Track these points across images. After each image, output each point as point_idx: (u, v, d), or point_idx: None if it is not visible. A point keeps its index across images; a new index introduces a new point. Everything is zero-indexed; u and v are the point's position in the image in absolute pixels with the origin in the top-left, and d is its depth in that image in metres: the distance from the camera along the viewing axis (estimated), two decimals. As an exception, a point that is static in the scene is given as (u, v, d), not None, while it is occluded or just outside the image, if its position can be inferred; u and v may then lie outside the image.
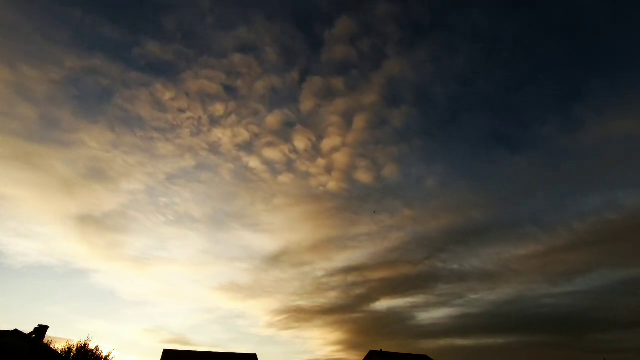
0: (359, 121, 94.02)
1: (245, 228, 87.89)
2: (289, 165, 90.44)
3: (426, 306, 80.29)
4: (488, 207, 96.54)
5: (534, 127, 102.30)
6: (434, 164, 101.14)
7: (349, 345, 73.52)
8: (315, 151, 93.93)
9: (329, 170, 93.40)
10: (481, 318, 78.55)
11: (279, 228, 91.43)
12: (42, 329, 29.01)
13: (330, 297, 79.54)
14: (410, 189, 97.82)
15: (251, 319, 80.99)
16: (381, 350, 41.61)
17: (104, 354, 31.11)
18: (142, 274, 76.98)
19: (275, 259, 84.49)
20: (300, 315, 74.72)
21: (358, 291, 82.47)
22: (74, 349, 29.88)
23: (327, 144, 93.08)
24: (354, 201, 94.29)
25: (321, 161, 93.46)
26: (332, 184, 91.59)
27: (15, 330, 27.96)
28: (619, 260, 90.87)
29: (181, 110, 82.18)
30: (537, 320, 77.37)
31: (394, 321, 78.51)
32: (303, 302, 77.89)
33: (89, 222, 72.51)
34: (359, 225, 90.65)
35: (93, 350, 30.44)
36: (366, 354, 41.98)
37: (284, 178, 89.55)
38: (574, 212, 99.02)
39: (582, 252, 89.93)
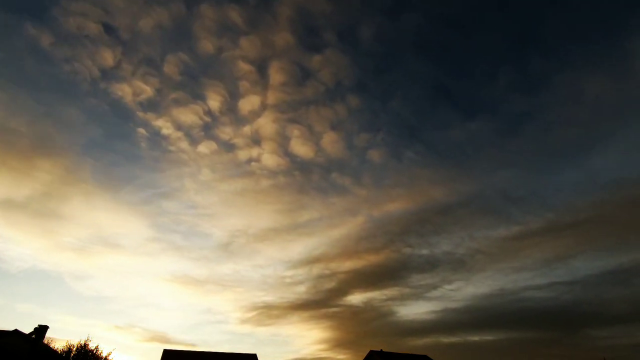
0: (276, 73, 79.20)
1: (184, 211, 79.91)
2: (207, 132, 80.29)
3: (402, 299, 77.86)
4: (449, 183, 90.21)
5: (487, 84, 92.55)
6: (377, 131, 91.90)
7: (334, 343, 72.20)
8: (233, 114, 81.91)
9: (256, 140, 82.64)
10: (464, 313, 76.73)
11: (219, 212, 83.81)
12: (42, 329, 28.96)
13: (298, 292, 76.62)
14: (357, 162, 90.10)
15: (220, 316, 77.41)
16: (381, 350, 41.62)
17: (104, 354, 31.15)
18: (90, 266, 70.07)
19: (225, 249, 79.06)
20: (271, 311, 72.10)
21: (327, 285, 79.21)
22: (74, 349, 29.90)
23: (245, 105, 79.50)
24: (295, 179, 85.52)
25: (245, 129, 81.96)
26: (267, 159, 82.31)
27: (15, 330, 27.95)
28: (605, 243, 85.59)
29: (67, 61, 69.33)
30: (523, 315, 75.02)
31: (373, 317, 76.46)
32: (270, 298, 75.34)
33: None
34: (308, 208, 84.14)
35: (93, 350, 30.45)
36: (366, 354, 41.98)
37: (204, 148, 78.81)
38: (548, 187, 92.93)
39: (561, 234, 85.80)
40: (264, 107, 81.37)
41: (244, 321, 70.64)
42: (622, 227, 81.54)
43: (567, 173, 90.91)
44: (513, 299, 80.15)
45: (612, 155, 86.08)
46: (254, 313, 71.07)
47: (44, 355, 27.96)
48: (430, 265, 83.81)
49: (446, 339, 70.71)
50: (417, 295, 78.50)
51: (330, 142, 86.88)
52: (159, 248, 76.59)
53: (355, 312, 75.24)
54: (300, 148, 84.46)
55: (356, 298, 77.82)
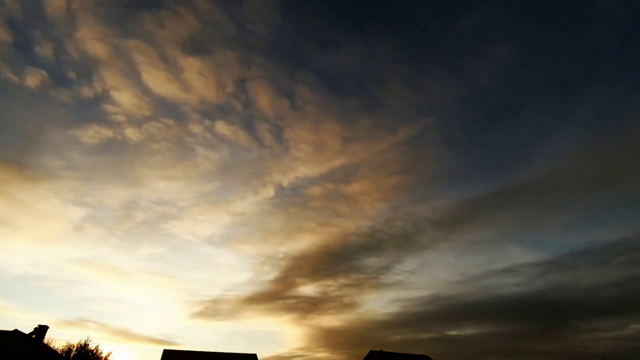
0: None
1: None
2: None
3: (359, 287, 75.73)
4: (358, 137, 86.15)
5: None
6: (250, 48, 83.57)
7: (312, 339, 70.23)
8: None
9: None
10: (430, 303, 75.02)
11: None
12: (42, 329, 29.01)
13: (243, 283, 75.52)
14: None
15: (166, 308, 73.17)
16: (381, 350, 41.74)
17: (104, 354, 31.20)
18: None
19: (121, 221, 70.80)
20: (219, 305, 68.21)
21: (271, 274, 76.68)
22: (74, 349, 29.95)
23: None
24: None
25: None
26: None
27: (15, 331, 27.98)
28: (571, 216, 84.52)
29: None
30: (500, 304, 73.19)
31: (335, 308, 73.88)
32: (210, 290, 74.04)
33: None
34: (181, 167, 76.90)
35: (93, 350, 30.50)
36: (366, 354, 42.04)
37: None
38: (486, 147, 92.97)
39: (511, 207, 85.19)
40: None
41: (195, 315, 66.97)
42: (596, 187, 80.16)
43: (501, 130, 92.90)
44: (482, 286, 78.07)
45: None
46: (201, 307, 67.83)
47: (44, 355, 27.98)
48: (374, 241, 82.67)
49: (423, 335, 69.42)
50: (375, 283, 76.71)
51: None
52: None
53: (315, 304, 73.10)
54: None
55: (309, 288, 75.93)
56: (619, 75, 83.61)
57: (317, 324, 71.71)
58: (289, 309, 71.35)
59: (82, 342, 30.49)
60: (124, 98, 67.93)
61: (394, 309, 75.88)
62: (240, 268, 79.56)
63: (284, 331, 73.35)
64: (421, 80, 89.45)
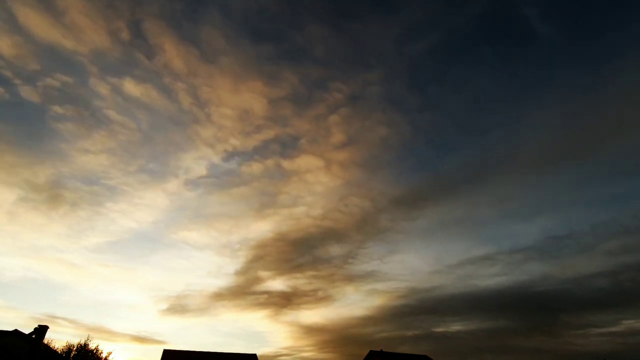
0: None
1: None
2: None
3: (332, 280, 73.01)
4: (287, 98, 79.75)
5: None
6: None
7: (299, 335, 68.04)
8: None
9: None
10: (408, 297, 72.55)
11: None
12: (42, 329, 28.87)
13: (203, 276, 73.06)
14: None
15: (131, 304, 70.20)
16: (381, 350, 41.70)
17: (104, 354, 31.19)
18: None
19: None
20: (186, 301, 66.28)
21: (231, 266, 74.64)
22: (74, 349, 29.94)
23: None
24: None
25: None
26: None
27: (15, 330, 27.93)
28: (548, 195, 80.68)
29: None
30: (484, 298, 70.27)
31: (310, 302, 71.20)
32: (170, 283, 72.20)
33: None
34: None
35: (93, 350, 30.50)
36: (366, 354, 42.00)
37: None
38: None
39: (481, 184, 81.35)
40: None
41: (165, 312, 65.27)
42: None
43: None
44: (460, 276, 74.49)
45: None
46: (168, 303, 66.70)
47: (44, 355, 27.91)
48: (331, 223, 77.65)
49: (410, 332, 67.02)
50: (346, 275, 73.80)
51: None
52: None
53: (288, 298, 70.47)
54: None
55: (278, 283, 73.05)
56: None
57: (296, 320, 69.71)
58: (262, 304, 69.31)
59: (82, 342, 30.53)
60: (2, 47, 57.50)
61: (372, 302, 73.54)
62: (194, 259, 75.74)
63: (263, 328, 71.74)
64: (347, 23, 78.35)
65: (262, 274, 73.34)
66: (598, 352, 56.03)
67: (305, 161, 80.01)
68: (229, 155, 78.25)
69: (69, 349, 30.19)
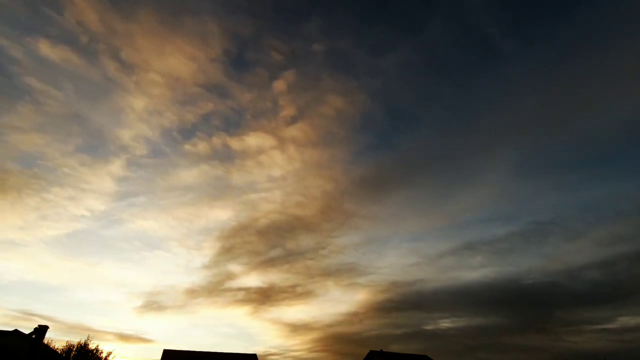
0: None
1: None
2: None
3: (307, 273, 70.45)
4: (217, 59, 71.83)
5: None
6: None
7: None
8: None
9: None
10: (390, 292, 70.35)
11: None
12: (42, 329, 28.84)
13: (172, 272, 70.31)
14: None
15: (105, 300, 67.16)
16: (381, 350, 41.72)
17: (104, 354, 31.16)
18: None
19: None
20: (159, 297, 63.57)
21: (198, 259, 71.94)
22: (74, 349, 29.91)
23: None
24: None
25: None
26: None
27: (15, 330, 27.92)
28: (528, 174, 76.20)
29: None
30: (470, 295, 67.89)
31: (290, 298, 68.43)
32: (140, 279, 69.33)
33: None
34: None
35: (93, 350, 30.47)
36: (366, 354, 42.01)
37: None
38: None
39: (454, 162, 78.93)
40: None
41: (142, 308, 62.30)
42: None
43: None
44: (442, 269, 71.61)
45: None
46: (143, 299, 63.83)
47: (44, 355, 27.88)
48: (294, 208, 74.51)
49: (397, 330, 65.21)
50: (323, 268, 70.66)
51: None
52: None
53: (267, 295, 67.52)
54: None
55: (252, 278, 69.75)
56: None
57: (278, 317, 67.38)
58: (241, 301, 66.67)
59: (82, 342, 30.51)
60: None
61: (353, 297, 71.20)
62: (159, 252, 71.90)
63: (245, 325, 69.41)
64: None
65: (233, 268, 70.29)
66: (593, 350, 54.85)
67: (255, 140, 73.87)
68: (167, 132, 72.17)
69: (69, 348, 30.16)
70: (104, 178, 67.63)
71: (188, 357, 34.14)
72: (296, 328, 66.61)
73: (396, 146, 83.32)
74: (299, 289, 70.11)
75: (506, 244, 72.49)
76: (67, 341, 31.09)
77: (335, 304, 71.30)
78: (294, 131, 75.86)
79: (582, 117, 72.42)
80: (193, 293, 64.98)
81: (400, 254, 79.14)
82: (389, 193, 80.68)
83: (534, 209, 78.69)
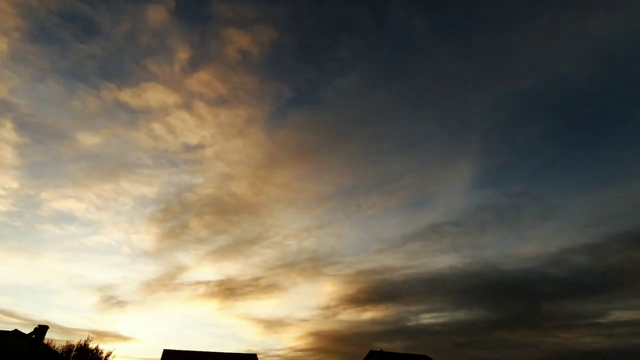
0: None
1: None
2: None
3: (270, 267, 66.60)
4: None
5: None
6: None
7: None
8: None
9: None
10: (360, 284, 67.11)
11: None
12: (42, 329, 28.89)
13: (118, 265, 65.54)
14: None
15: (58, 294, 62.28)
16: (381, 350, 41.67)
17: (104, 354, 31.20)
18: None
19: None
20: (115, 291, 60.40)
21: (139, 247, 65.81)
22: (74, 349, 29.95)
23: None
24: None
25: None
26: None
27: (15, 330, 27.94)
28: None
29: None
30: (447, 285, 64.56)
31: (255, 292, 65.17)
32: (85, 270, 64.15)
33: None
34: None
35: (93, 350, 30.51)
36: (366, 354, 41.99)
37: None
38: None
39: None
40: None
41: (102, 304, 58.55)
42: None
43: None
44: (409, 255, 67.06)
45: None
46: (101, 295, 59.74)
47: (44, 355, 27.90)
48: (219, 181, 68.15)
49: (380, 327, 62.44)
50: (283, 259, 67.07)
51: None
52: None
53: (231, 288, 63.60)
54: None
55: (209, 271, 66.85)
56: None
57: (249, 313, 64.06)
58: (204, 296, 63.30)
59: (82, 342, 30.56)
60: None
61: (323, 289, 67.57)
62: (96, 237, 65.72)
63: (218, 322, 66.57)
64: None
65: (182, 258, 66.14)
66: (584, 346, 52.34)
67: (153, 94, 60.60)
68: (35, 79, 59.20)
69: (69, 348, 30.21)
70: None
71: (188, 357, 34.16)
72: (270, 324, 63.69)
73: (317, 96, 73.91)
74: (262, 282, 65.96)
75: (475, 224, 68.43)
76: (67, 341, 31.17)
77: (304, 297, 67.76)
78: (194, 82, 64.79)
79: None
80: (150, 287, 61.11)
81: (361, 239, 74.93)
82: (321, 161, 74.55)
83: (504, 178, 73.23)
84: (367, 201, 75.38)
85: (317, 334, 62.77)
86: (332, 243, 73.17)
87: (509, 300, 64.76)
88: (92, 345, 30.86)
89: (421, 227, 71.85)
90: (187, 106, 65.32)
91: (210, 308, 65.02)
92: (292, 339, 62.87)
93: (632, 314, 53.85)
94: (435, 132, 76.33)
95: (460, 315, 63.77)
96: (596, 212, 64.77)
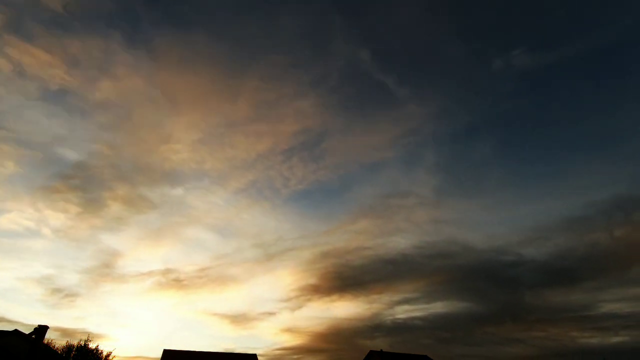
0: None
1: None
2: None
3: (215, 257, 63.04)
4: None
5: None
6: None
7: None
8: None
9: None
10: (320, 271, 64.50)
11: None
12: (42, 329, 28.90)
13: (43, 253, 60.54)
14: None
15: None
16: (381, 350, 41.69)
17: (104, 354, 31.21)
18: None
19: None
20: (57, 284, 56.86)
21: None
22: (74, 348, 29.97)
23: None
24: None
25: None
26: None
27: (15, 331, 27.97)
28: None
29: None
30: (413, 272, 62.21)
31: (206, 283, 62.82)
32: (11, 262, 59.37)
33: None
34: None
35: (93, 350, 30.53)
36: (366, 354, 41.98)
37: None
38: None
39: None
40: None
41: (50, 297, 55.29)
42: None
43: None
44: (357, 233, 63.11)
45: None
46: (47, 286, 56.63)
47: (44, 355, 27.91)
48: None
49: (360, 323, 60.95)
50: (230, 246, 64.05)
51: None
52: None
53: (179, 280, 61.09)
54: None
55: (146, 258, 63.89)
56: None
57: (214, 308, 61.01)
58: (153, 288, 59.70)
59: (82, 342, 30.57)
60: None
61: (280, 280, 64.33)
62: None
63: (181, 317, 63.43)
64: None
65: (110, 241, 61.02)
66: (576, 343, 50.32)
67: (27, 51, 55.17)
68: None
69: (69, 348, 30.22)
70: None
71: (188, 357, 34.18)
72: (237, 320, 60.37)
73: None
74: (211, 273, 62.91)
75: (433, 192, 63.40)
76: (67, 341, 31.19)
77: (261, 288, 64.62)
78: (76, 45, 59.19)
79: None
80: (92, 277, 57.06)
81: (301, 218, 70.14)
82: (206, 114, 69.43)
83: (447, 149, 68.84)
84: (283, 170, 70.53)
85: (291, 331, 60.62)
86: (272, 225, 68.76)
87: (488, 289, 61.04)
88: (92, 346, 30.90)
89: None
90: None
91: (167, 302, 61.70)
92: (267, 335, 59.84)
93: (620, 305, 50.96)
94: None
95: (438, 307, 60.76)
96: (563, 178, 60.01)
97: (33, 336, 28.34)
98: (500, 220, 63.85)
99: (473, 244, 61.00)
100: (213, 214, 69.00)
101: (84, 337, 31.95)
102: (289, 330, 60.56)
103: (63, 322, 56.15)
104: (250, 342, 60.67)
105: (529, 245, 57.72)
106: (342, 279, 63.36)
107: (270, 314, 61.30)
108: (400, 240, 65.22)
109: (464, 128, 73.35)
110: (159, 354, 33.57)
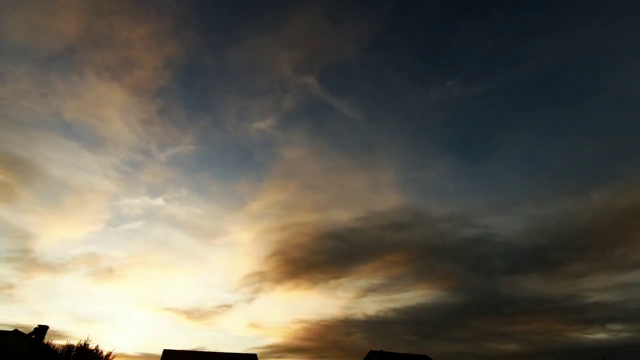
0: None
1: None
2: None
3: (146, 240, 60.02)
4: None
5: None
6: None
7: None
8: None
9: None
10: (276, 257, 61.72)
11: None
12: (42, 329, 28.88)
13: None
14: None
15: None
16: (381, 350, 41.70)
17: (104, 354, 31.23)
18: None
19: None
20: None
21: None
22: (74, 349, 29.98)
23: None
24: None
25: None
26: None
27: (15, 331, 27.96)
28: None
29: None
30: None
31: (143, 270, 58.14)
32: None
33: None
34: None
35: (93, 350, 30.53)
36: (366, 354, 41.97)
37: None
38: None
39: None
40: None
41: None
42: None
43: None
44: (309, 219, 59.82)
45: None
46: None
47: (44, 355, 27.91)
48: None
49: (342, 317, 58.18)
50: (166, 232, 60.50)
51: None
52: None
53: (112, 269, 58.32)
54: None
55: (83, 245, 58.28)
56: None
57: (162, 302, 57.80)
58: (92, 278, 55.58)
59: (82, 342, 30.59)
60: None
61: (227, 265, 60.05)
62: None
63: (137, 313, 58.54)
64: None
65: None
66: (564, 338, 48.41)
67: None
68: None
69: (69, 348, 30.22)
70: None
71: (188, 357, 34.18)
72: (192, 315, 56.26)
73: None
74: (150, 260, 57.71)
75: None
76: (67, 341, 31.22)
77: (209, 276, 59.35)
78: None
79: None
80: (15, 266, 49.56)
81: (219, 196, 63.72)
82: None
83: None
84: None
85: (256, 326, 57.35)
86: (199, 205, 62.57)
87: (459, 274, 56.90)
88: (91, 346, 30.90)
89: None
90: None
91: (109, 295, 55.85)
92: (233, 331, 55.97)
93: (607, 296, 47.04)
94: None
95: (408, 297, 56.22)
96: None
97: (33, 336, 28.38)
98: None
99: (431, 212, 56.74)
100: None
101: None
102: (255, 325, 57.19)
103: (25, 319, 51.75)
104: (219, 339, 56.07)
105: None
106: (294, 263, 59.20)
107: (227, 306, 57.27)
108: (339, 214, 60.77)
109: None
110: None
